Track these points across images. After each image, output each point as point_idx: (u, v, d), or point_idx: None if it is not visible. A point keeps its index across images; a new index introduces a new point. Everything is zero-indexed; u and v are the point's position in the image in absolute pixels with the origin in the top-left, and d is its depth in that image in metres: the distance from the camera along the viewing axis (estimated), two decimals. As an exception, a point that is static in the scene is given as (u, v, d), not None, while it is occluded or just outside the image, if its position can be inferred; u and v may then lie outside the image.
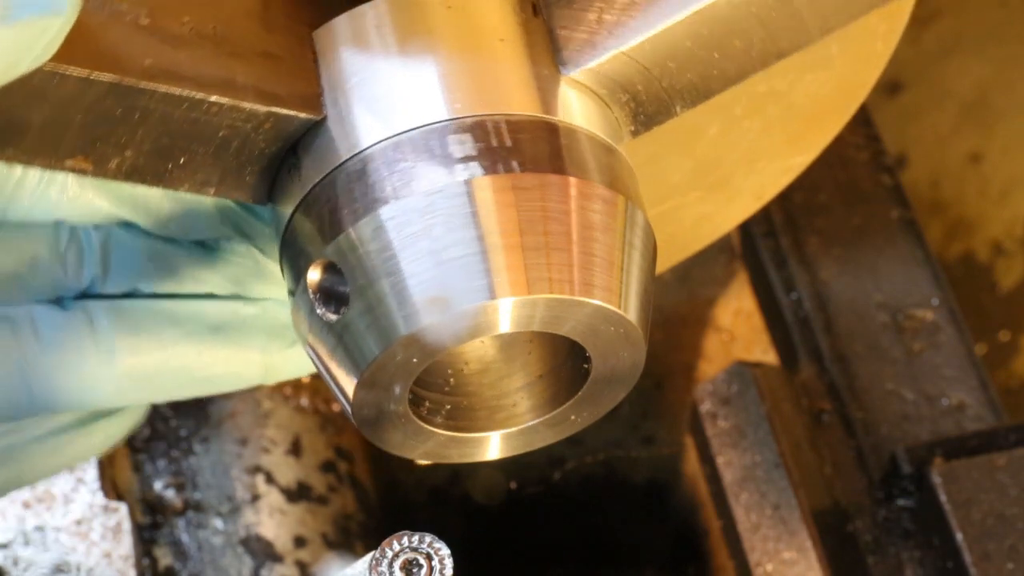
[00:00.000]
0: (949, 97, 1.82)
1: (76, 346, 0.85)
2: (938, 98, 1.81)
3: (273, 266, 0.88)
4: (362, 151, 0.78)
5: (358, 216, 0.76)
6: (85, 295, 0.86)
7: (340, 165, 0.78)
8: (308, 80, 0.80)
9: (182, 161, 0.79)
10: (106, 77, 0.73)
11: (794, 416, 1.28)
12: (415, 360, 0.76)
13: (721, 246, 1.48)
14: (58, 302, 0.86)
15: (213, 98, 0.76)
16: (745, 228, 1.42)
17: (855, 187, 1.44)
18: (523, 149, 0.77)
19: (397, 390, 0.77)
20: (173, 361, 0.87)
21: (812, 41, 0.85)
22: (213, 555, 1.29)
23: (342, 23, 0.81)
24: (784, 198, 1.29)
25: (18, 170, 0.82)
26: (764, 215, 1.40)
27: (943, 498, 1.16)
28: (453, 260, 0.74)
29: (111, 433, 0.91)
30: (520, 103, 0.79)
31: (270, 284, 0.89)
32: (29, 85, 0.71)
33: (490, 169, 0.76)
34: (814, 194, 1.43)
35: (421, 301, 0.74)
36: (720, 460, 1.24)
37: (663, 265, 1.04)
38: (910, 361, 1.32)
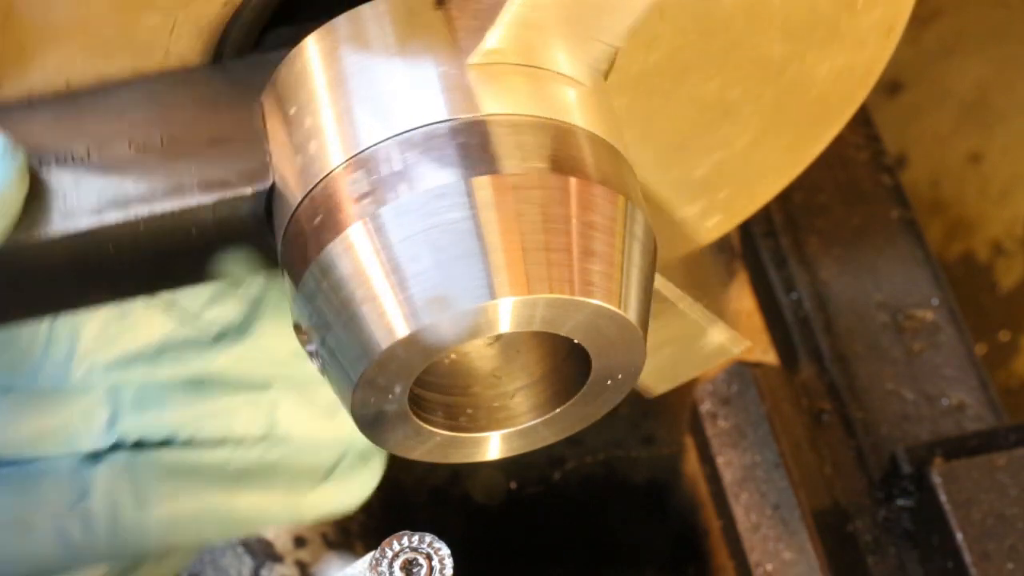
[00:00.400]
0: (949, 97, 1.82)
1: (112, 500, 0.88)
2: (938, 98, 1.81)
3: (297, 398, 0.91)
4: (361, 152, 0.78)
5: (358, 216, 0.76)
6: (118, 446, 0.89)
7: (339, 166, 0.78)
8: (254, 152, 0.81)
9: (175, 267, 0.81)
10: (57, 232, 0.76)
11: (794, 416, 1.28)
12: (415, 360, 0.76)
13: (721, 246, 1.48)
14: (94, 455, 0.88)
15: (161, 210, 0.78)
16: (745, 228, 1.42)
17: (855, 187, 1.44)
18: (523, 149, 0.77)
19: (397, 390, 0.77)
20: (203, 509, 0.90)
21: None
22: (213, 555, 1.29)
23: (340, 24, 0.81)
24: (784, 198, 1.29)
25: (43, 334, 0.84)
26: (764, 215, 1.40)
27: (943, 498, 1.16)
28: (453, 260, 0.74)
29: None
30: (519, 103, 0.79)
31: (295, 419, 0.91)
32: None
33: (490, 169, 0.76)
34: (814, 194, 1.43)
35: (421, 301, 0.74)
36: (720, 460, 1.24)
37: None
38: (910, 361, 1.33)
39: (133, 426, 0.88)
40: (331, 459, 0.94)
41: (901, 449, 1.22)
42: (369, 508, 1.38)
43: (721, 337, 0.96)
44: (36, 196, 0.76)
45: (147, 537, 0.89)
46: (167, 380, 0.89)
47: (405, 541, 0.71)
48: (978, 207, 1.81)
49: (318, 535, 1.33)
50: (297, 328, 0.81)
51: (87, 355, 0.86)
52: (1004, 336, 1.74)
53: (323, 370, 0.80)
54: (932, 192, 1.81)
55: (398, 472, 1.49)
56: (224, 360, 0.90)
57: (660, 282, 0.86)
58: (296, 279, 0.79)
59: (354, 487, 0.95)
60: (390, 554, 0.71)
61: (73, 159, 0.78)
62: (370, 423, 0.80)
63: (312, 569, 1.31)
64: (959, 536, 1.14)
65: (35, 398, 0.87)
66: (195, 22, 0.82)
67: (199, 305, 0.88)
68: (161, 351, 0.88)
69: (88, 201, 0.77)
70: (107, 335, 0.86)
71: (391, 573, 0.71)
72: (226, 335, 0.90)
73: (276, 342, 0.90)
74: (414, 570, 0.71)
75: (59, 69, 0.80)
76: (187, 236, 0.79)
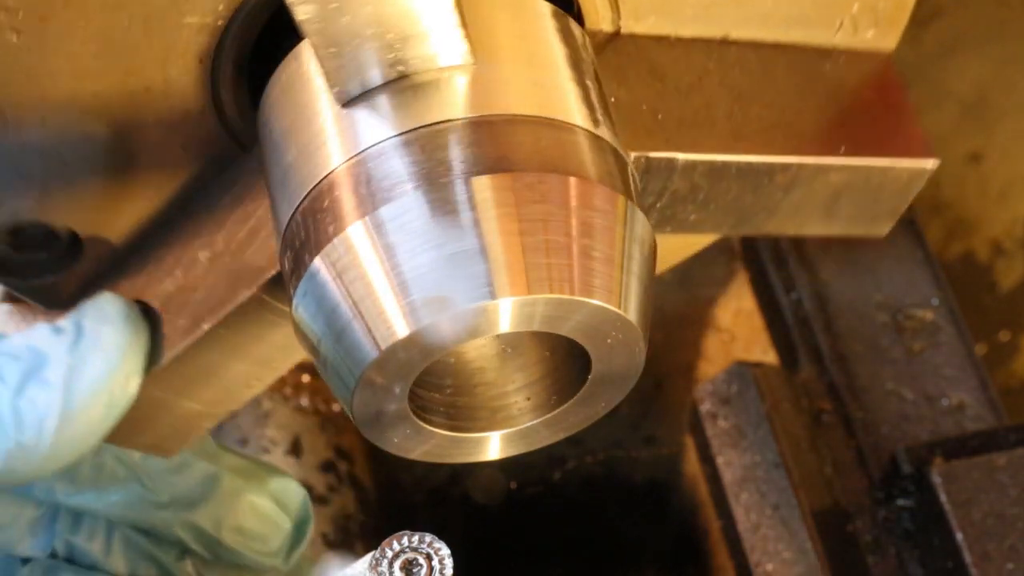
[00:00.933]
0: (949, 97, 1.81)
1: None
2: (938, 98, 1.81)
3: None
4: (362, 151, 0.78)
5: (358, 216, 0.76)
6: (53, 554, 0.96)
7: (339, 165, 0.78)
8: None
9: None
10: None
11: (794, 416, 1.28)
12: (415, 360, 0.76)
13: (721, 246, 1.48)
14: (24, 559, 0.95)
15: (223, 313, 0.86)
16: (745, 228, 1.41)
17: (855, 187, 1.44)
18: (523, 149, 0.77)
19: (397, 390, 0.77)
20: None
21: (760, 232, 0.92)
22: (213, 555, 1.29)
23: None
24: (784, 198, 1.29)
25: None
26: (764, 215, 1.40)
27: (943, 498, 1.16)
28: (453, 260, 0.74)
29: None
30: (520, 103, 0.79)
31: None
32: None
33: (490, 168, 0.76)
34: (814, 194, 1.42)
35: (421, 301, 0.74)
36: (720, 460, 1.24)
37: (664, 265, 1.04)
38: (910, 361, 1.33)
39: (71, 546, 0.93)
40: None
41: (901, 449, 1.22)
42: (369, 508, 1.39)
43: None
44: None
45: None
46: (117, 520, 0.95)
47: (405, 541, 0.71)
48: (978, 207, 1.81)
49: (318, 535, 1.33)
50: (297, 328, 0.81)
51: (56, 481, 0.92)
52: (1004, 336, 1.74)
53: (323, 370, 0.80)
54: (932, 192, 1.81)
55: (398, 472, 1.49)
56: (171, 520, 0.96)
57: None
58: (296, 279, 0.79)
59: None
60: (390, 554, 0.71)
61: (164, 286, 0.87)
62: (370, 423, 0.80)
63: (312, 569, 1.31)
64: (959, 536, 1.14)
65: None
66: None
67: (162, 471, 0.96)
68: (120, 501, 0.94)
69: (184, 319, 0.86)
70: (79, 475, 0.92)
71: (391, 573, 0.71)
72: (179, 502, 0.97)
73: (225, 513, 0.98)
74: (414, 570, 0.71)
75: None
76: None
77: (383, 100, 0.79)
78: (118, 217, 0.88)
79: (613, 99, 0.85)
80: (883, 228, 0.98)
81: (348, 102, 0.79)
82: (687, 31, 0.89)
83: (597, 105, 0.82)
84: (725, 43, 0.90)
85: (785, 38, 0.92)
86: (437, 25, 0.78)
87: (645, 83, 0.87)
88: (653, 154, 0.85)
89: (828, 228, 0.94)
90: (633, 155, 0.84)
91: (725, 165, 0.86)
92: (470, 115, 0.78)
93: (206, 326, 0.86)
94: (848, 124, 0.92)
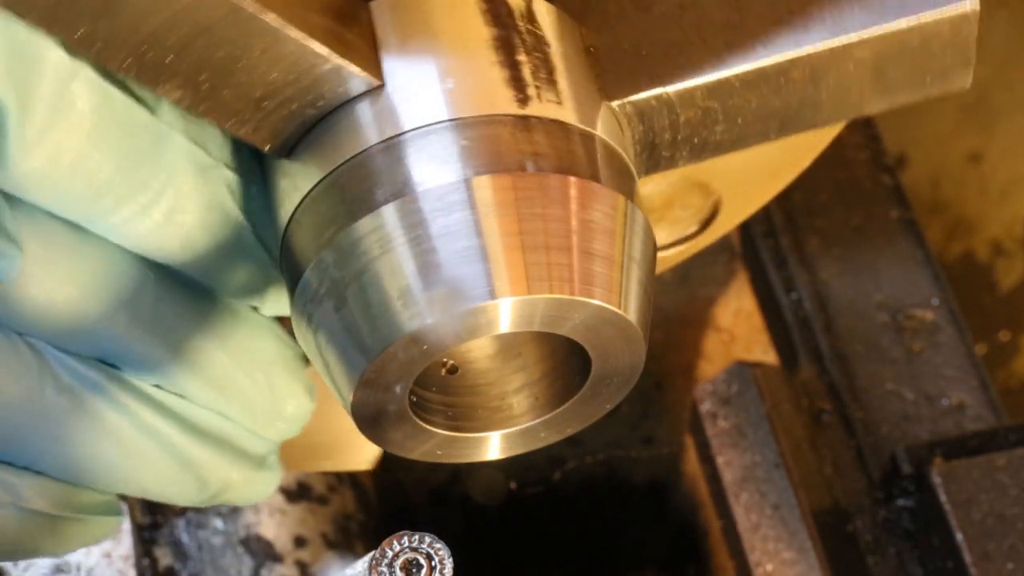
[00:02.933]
0: (949, 97, 1.81)
1: (86, 405, 0.87)
2: (938, 98, 1.81)
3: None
4: (363, 150, 0.78)
5: (358, 215, 0.76)
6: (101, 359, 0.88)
7: (341, 165, 0.78)
8: (370, 46, 0.79)
9: (228, 92, 0.77)
10: None
11: (794, 416, 1.28)
12: (415, 360, 0.76)
13: (721, 246, 1.48)
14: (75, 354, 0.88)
15: (293, 35, 0.75)
16: (745, 228, 1.42)
17: (855, 187, 1.44)
18: (523, 149, 0.77)
19: (397, 390, 0.77)
20: (161, 443, 0.89)
21: (815, 127, 0.86)
22: (213, 555, 1.29)
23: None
24: (784, 198, 1.29)
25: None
26: (764, 215, 1.40)
27: (943, 498, 1.16)
28: (453, 260, 0.74)
29: (88, 533, 0.93)
30: (520, 103, 0.79)
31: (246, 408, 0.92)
32: None
33: (490, 168, 0.76)
34: (814, 194, 1.43)
35: (421, 301, 0.74)
36: (720, 460, 1.24)
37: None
38: (910, 361, 1.33)
39: (136, 343, 0.87)
40: (265, 449, 0.94)
41: (901, 449, 1.22)
42: (369, 508, 1.39)
43: None
44: None
45: (95, 457, 0.89)
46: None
47: (405, 541, 0.71)
48: (978, 207, 1.81)
49: (318, 535, 1.33)
50: (297, 328, 0.81)
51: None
52: (1004, 336, 1.74)
53: (323, 370, 0.80)
54: (932, 192, 1.81)
55: (398, 472, 1.49)
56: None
57: None
58: (296, 278, 0.79)
59: (270, 482, 0.95)
60: (390, 554, 0.71)
61: None
62: (370, 423, 0.80)
63: (312, 569, 1.31)
64: (959, 536, 1.14)
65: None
66: None
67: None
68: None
69: None
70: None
71: (391, 573, 0.71)
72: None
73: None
74: (414, 570, 0.71)
75: None
76: (266, 70, 0.77)
77: (374, 106, 0.79)
78: None
79: (592, 49, 0.83)
80: (962, 80, 0.91)
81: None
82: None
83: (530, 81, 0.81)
84: None
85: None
86: None
87: (628, 19, 0.84)
88: (637, 97, 0.82)
89: (893, 100, 0.88)
90: (615, 103, 0.81)
91: (723, 82, 0.82)
92: (470, 115, 0.78)
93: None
94: None
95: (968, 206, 1.81)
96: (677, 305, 1.51)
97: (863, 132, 1.47)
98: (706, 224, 1.04)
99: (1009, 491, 1.16)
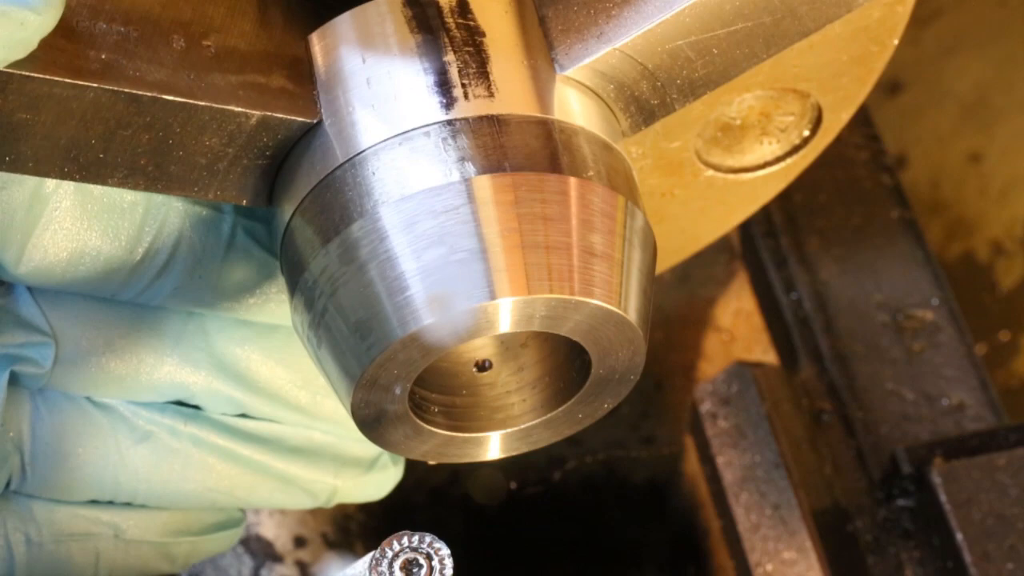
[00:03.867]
0: (949, 97, 1.81)
1: (169, 447, 0.91)
2: (938, 98, 1.81)
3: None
4: (362, 152, 0.78)
5: (357, 216, 0.76)
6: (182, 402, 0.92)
7: (340, 166, 0.78)
8: (303, 84, 0.80)
9: (175, 168, 0.79)
10: (94, 84, 0.74)
11: (794, 416, 1.28)
12: (415, 360, 0.76)
13: (721, 246, 1.48)
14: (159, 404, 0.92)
15: (203, 104, 0.76)
16: (745, 228, 1.42)
17: (855, 187, 1.44)
18: (523, 149, 0.77)
19: (397, 390, 0.77)
20: (257, 471, 0.94)
21: (807, 34, 0.85)
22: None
23: (343, 23, 0.81)
24: (784, 198, 1.29)
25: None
26: (764, 215, 1.40)
27: (943, 498, 1.16)
28: (453, 260, 0.74)
29: (201, 551, 0.98)
30: (519, 103, 0.79)
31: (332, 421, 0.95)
32: (25, 92, 0.72)
33: (490, 169, 0.76)
34: (814, 194, 1.43)
35: (421, 301, 0.74)
36: (720, 460, 1.24)
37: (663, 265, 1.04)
38: (910, 361, 1.32)
39: (202, 386, 0.90)
40: (372, 452, 0.96)
41: (901, 449, 1.22)
42: (369, 508, 1.38)
43: None
44: (75, 40, 0.75)
45: (195, 489, 0.93)
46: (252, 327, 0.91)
47: (405, 541, 0.71)
48: (978, 207, 1.81)
49: (318, 535, 1.33)
50: (298, 329, 0.81)
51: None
52: (1004, 336, 1.74)
53: (324, 369, 0.80)
54: (932, 192, 1.81)
55: (398, 472, 1.49)
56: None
57: None
58: (296, 278, 0.79)
59: (384, 482, 0.98)
60: (390, 554, 0.71)
61: (118, 25, 0.76)
62: (370, 423, 0.80)
63: (312, 569, 1.31)
64: (959, 536, 1.14)
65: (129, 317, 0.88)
66: None
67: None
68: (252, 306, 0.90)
69: (131, 69, 0.75)
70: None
71: (391, 573, 0.71)
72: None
73: None
74: (414, 570, 0.71)
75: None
76: (210, 142, 0.79)
77: (318, 141, 0.80)
78: None
79: (544, 18, 0.82)
80: None
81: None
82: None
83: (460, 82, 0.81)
84: None
85: None
86: None
87: None
88: (591, 60, 0.81)
89: None
90: (571, 72, 0.80)
91: (673, 23, 0.80)
92: (470, 115, 0.78)
93: (152, 91, 0.76)
94: None
95: (968, 206, 1.80)
96: (677, 305, 1.51)
97: (863, 132, 1.47)
98: (816, 126, 1.02)
99: (1009, 491, 1.16)
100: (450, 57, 0.78)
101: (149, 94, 0.75)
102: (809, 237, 1.40)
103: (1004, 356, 1.73)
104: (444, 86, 0.78)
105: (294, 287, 0.80)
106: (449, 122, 0.76)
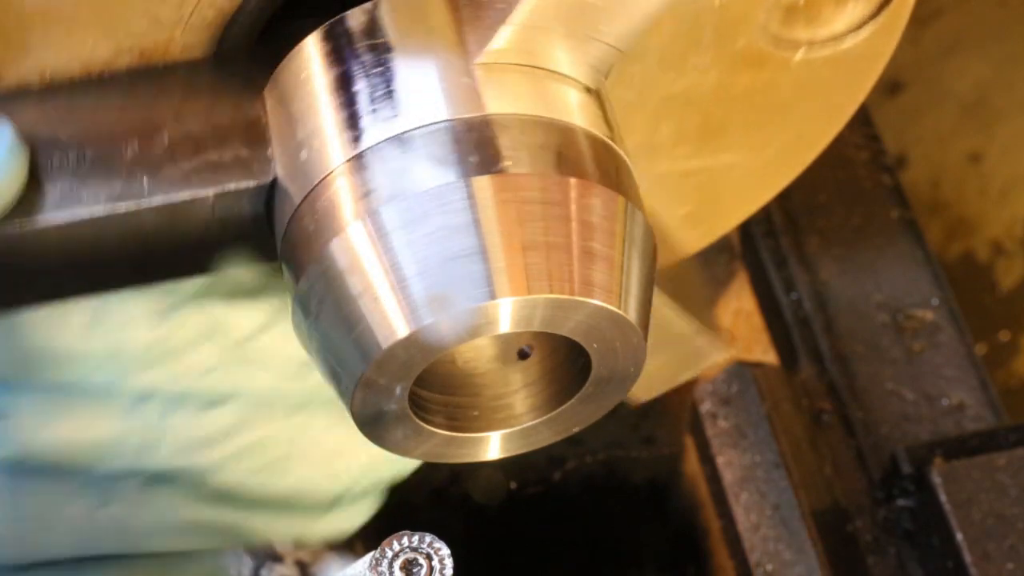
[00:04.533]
0: (949, 97, 1.82)
1: (131, 511, 0.92)
2: (938, 98, 1.82)
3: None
4: (362, 151, 0.78)
5: (358, 216, 0.76)
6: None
7: (340, 165, 0.78)
8: (258, 146, 0.81)
9: (171, 260, 0.82)
10: (60, 219, 0.77)
11: (794, 416, 1.28)
12: (415, 360, 0.76)
13: (721, 246, 1.48)
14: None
15: (159, 202, 0.78)
16: (745, 228, 1.42)
17: (855, 187, 1.44)
18: (523, 149, 0.77)
19: (397, 390, 0.77)
20: (217, 526, 0.95)
21: None
22: (213, 555, 1.29)
23: (280, 72, 0.82)
24: (784, 198, 1.29)
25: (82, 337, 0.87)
26: (764, 215, 1.40)
27: (943, 498, 1.16)
28: (453, 260, 0.74)
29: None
30: (521, 103, 0.79)
31: (319, 443, 0.95)
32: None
33: (490, 169, 0.76)
34: (814, 194, 1.43)
35: (421, 301, 0.74)
36: (720, 460, 1.24)
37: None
38: (910, 361, 1.33)
39: (165, 454, 0.90)
40: (339, 489, 0.96)
41: (901, 449, 1.22)
42: (369, 508, 1.38)
43: (705, 343, 0.96)
44: (34, 186, 0.77)
45: (160, 543, 0.91)
46: (205, 398, 0.91)
47: (405, 541, 0.71)
48: (978, 207, 1.81)
49: (318, 535, 1.33)
50: (298, 329, 0.81)
51: (138, 371, 0.88)
52: (1004, 336, 1.74)
53: (324, 370, 0.80)
54: (932, 192, 1.81)
55: (398, 472, 1.49)
56: (263, 380, 0.92)
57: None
58: (296, 279, 0.79)
59: (355, 516, 0.98)
60: (390, 554, 0.71)
61: (73, 150, 0.78)
62: (370, 423, 0.80)
63: (312, 569, 1.31)
64: (959, 536, 1.14)
65: (75, 404, 0.88)
66: (208, 8, 0.81)
67: (245, 334, 0.90)
68: (204, 375, 0.90)
69: (86, 193, 0.77)
70: (152, 355, 0.88)
71: (391, 573, 0.71)
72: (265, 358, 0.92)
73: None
74: (414, 570, 0.71)
75: (66, 54, 0.80)
76: (185, 229, 0.80)
77: (278, 198, 0.80)
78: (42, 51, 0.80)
79: (457, 6, 0.81)
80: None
81: None
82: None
83: (604, 116, 0.82)
84: None
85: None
86: None
87: None
88: (501, 44, 0.79)
89: None
90: (482, 59, 0.79)
91: None
92: (471, 115, 0.78)
93: (109, 210, 0.78)
94: None
95: (968, 206, 1.81)
96: (677, 305, 1.51)
97: (863, 132, 1.47)
98: None
99: (1009, 491, 1.16)
100: (360, 86, 0.79)
101: (103, 213, 0.77)
102: (809, 237, 1.40)
103: (1004, 356, 1.73)
104: (352, 120, 0.78)
105: (295, 287, 0.80)
106: (358, 156, 0.77)
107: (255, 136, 0.82)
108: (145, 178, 0.78)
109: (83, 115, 0.80)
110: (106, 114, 0.80)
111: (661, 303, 0.91)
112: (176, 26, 0.81)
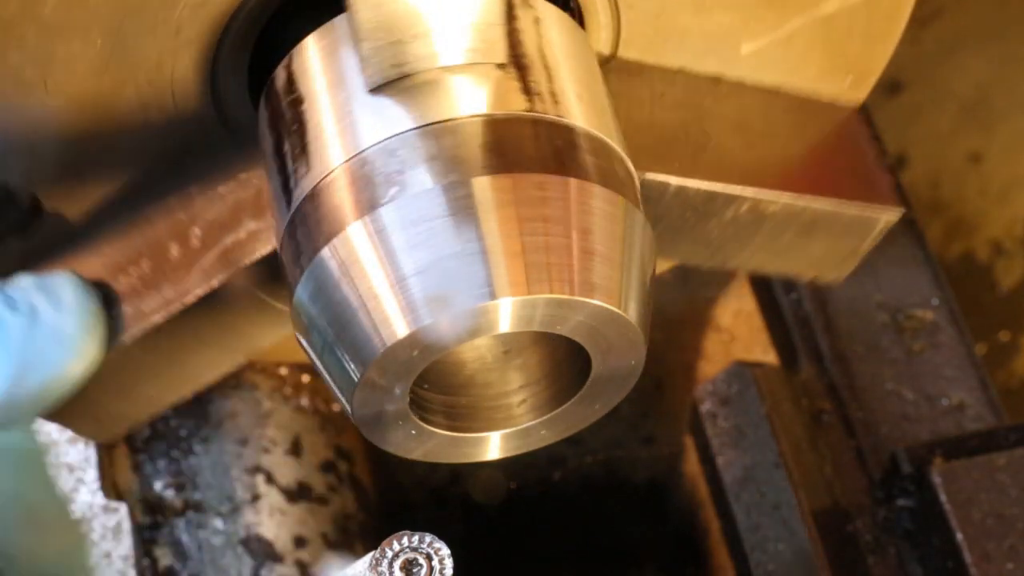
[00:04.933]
0: (949, 97, 1.82)
1: None
2: (938, 98, 1.81)
3: None
4: (362, 151, 0.78)
5: (358, 216, 0.76)
6: None
7: (340, 166, 0.78)
8: (266, 215, 0.87)
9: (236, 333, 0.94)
10: (133, 335, 0.88)
11: (794, 416, 1.28)
12: (415, 360, 0.76)
13: (721, 246, 1.47)
14: None
15: (200, 293, 0.88)
16: (745, 228, 1.41)
17: (855, 187, 1.44)
18: (523, 149, 0.77)
19: (397, 390, 0.77)
20: None
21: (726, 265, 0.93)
22: (213, 555, 1.29)
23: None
24: (784, 198, 1.29)
25: None
26: (764, 215, 1.40)
27: (943, 498, 1.16)
28: (453, 260, 0.74)
29: None
30: (520, 103, 0.79)
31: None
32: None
33: (491, 169, 0.76)
34: (814, 194, 1.42)
35: (421, 301, 0.74)
36: (720, 460, 1.24)
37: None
38: (910, 361, 1.32)
39: None
40: None
41: (901, 449, 1.22)
42: (369, 508, 1.39)
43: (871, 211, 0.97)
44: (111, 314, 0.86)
45: None
46: None
47: (405, 541, 0.71)
48: (978, 207, 1.81)
49: (318, 535, 1.33)
50: (297, 328, 0.81)
51: None
52: (1004, 336, 1.74)
53: (323, 371, 0.80)
54: (932, 192, 1.81)
55: (398, 472, 1.49)
56: None
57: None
58: (296, 280, 0.79)
59: None
60: (390, 554, 0.71)
61: (137, 271, 0.87)
62: (371, 423, 0.80)
63: (312, 569, 1.31)
64: (959, 536, 1.14)
65: None
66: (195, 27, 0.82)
67: None
68: None
69: (148, 304, 0.87)
70: None
71: (391, 573, 0.71)
72: None
73: None
74: (414, 570, 0.71)
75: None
76: (222, 304, 0.89)
77: (389, 98, 0.79)
78: (85, 189, 0.88)
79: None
80: (844, 271, 1.01)
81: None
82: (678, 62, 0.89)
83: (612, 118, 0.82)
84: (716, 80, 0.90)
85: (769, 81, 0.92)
86: (451, 24, 0.78)
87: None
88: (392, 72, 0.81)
89: (773, 264, 0.96)
90: (377, 83, 0.80)
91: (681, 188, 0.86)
92: (470, 115, 0.77)
93: (169, 312, 0.87)
94: (819, 167, 0.93)
95: (968, 206, 1.81)
96: (677, 305, 1.51)
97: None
98: None
99: (1009, 491, 1.16)
100: (286, 146, 0.81)
101: (162, 319, 0.86)
102: (809, 237, 1.40)
103: (1004, 356, 1.73)
104: (285, 181, 0.81)
105: (294, 286, 0.80)
106: (292, 217, 0.79)
107: (263, 204, 0.86)
108: (186, 274, 0.87)
109: (128, 240, 0.88)
110: (153, 222, 0.88)
111: (808, 202, 0.92)
112: (168, 59, 0.83)
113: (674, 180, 0.88)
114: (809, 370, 1.32)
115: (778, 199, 0.90)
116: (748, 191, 0.89)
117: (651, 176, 0.87)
